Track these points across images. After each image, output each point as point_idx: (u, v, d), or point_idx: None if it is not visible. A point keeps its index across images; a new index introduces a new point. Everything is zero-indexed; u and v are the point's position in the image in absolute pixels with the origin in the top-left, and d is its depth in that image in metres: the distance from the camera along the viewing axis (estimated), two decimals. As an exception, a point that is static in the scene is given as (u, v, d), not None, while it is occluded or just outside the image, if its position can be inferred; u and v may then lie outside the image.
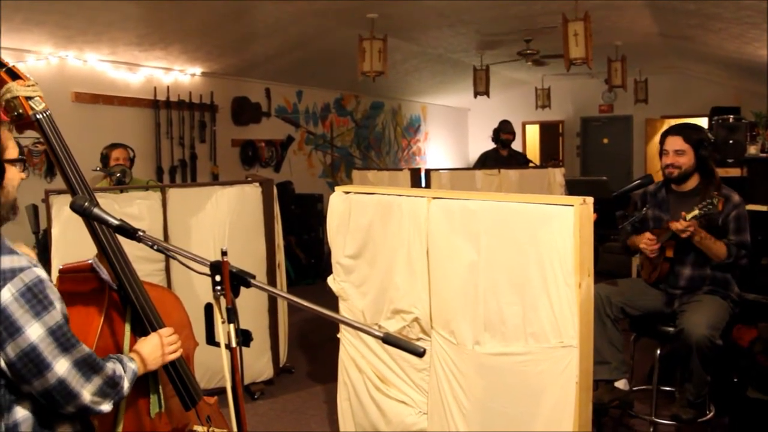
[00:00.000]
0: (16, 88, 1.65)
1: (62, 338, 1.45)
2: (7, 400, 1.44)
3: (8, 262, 1.42)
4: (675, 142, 3.13)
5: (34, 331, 1.40)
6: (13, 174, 1.58)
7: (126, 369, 1.63)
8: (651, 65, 9.49)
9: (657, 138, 11.28)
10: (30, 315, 1.40)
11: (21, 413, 1.46)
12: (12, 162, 1.57)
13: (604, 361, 3.10)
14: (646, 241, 3.17)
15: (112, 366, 1.57)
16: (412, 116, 11.46)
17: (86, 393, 1.48)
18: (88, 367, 1.49)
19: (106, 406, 1.54)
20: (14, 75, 1.68)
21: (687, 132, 3.13)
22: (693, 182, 3.16)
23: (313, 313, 1.48)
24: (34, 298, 1.42)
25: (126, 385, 1.60)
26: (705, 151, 3.10)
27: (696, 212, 2.88)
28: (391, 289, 2.64)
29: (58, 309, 1.46)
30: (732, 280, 3.15)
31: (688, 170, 3.12)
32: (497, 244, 2.23)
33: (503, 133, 6.61)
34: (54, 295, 1.47)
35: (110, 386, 1.54)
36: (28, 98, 1.67)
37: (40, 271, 1.46)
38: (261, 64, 7.25)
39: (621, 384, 3.15)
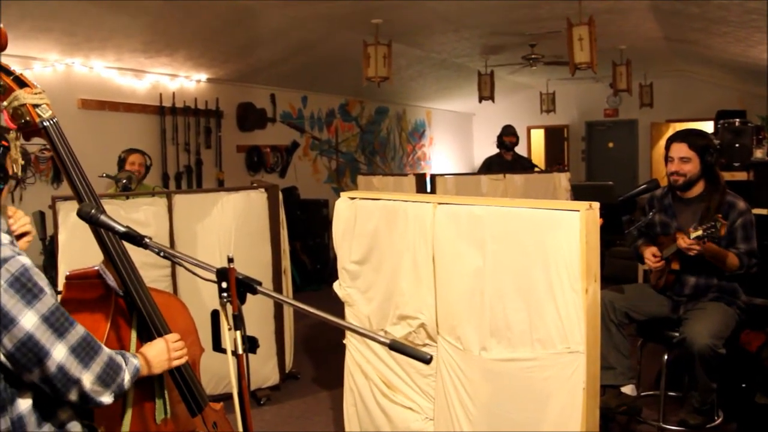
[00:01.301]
0: (23, 96, 1.66)
1: (56, 323, 1.44)
2: (8, 394, 1.44)
3: None
4: (680, 150, 3.09)
5: (29, 320, 1.40)
6: None
7: (127, 361, 1.62)
8: (656, 69, 9.49)
9: (662, 142, 11.27)
10: (22, 304, 1.40)
11: (24, 405, 1.46)
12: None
13: (609, 366, 3.09)
14: (650, 257, 3.17)
15: (109, 352, 1.56)
16: (417, 121, 11.47)
17: (86, 380, 1.48)
18: (85, 351, 1.48)
19: (107, 398, 1.53)
20: (21, 83, 1.68)
21: (692, 138, 3.09)
22: (699, 189, 3.14)
23: (318, 319, 1.48)
24: (23, 288, 1.41)
25: (127, 378, 1.59)
26: (710, 157, 3.06)
27: (700, 233, 2.85)
28: (396, 295, 2.64)
29: (48, 293, 1.45)
30: (739, 288, 3.13)
31: (693, 177, 3.09)
32: (503, 249, 2.23)
33: (506, 135, 6.61)
34: (42, 281, 1.46)
35: (110, 374, 1.53)
36: (36, 106, 1.68)
37: (25, 259, 1.44)
38: (266, 69, 7.28)
39: (628, 389, 3.14)
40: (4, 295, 1.38)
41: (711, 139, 3.13)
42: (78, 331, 1.49)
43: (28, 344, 1.40)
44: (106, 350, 1.55)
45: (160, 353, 1.78)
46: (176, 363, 1.83)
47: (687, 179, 3.10)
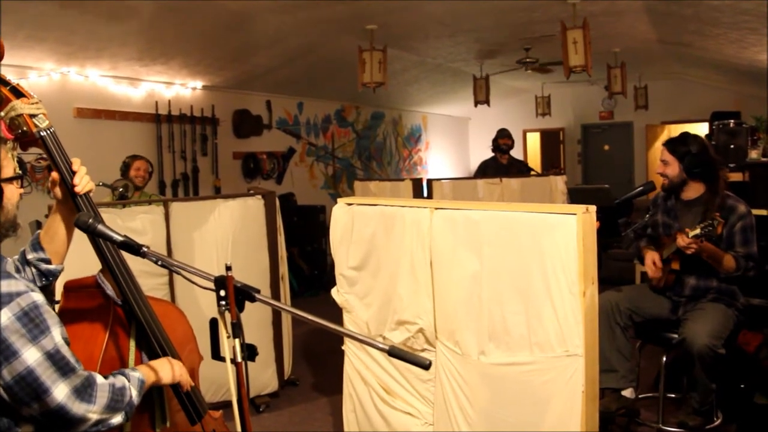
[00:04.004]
0: (20, 106, 1.66)
1: (61, 362, 1.44)
2: (4, 423, 1.44)
3: (6, 286, 1.42)
4: (663, 153, 3.24)
5: (31, 355, 1.40)
6: (11, 192, 1.57)
7: (130, 378, 1.61)
8: (650, 71, 9.52)
9: (658, 144, 11.25)
10: (26, 339, 1.40)
11: None
12: (9, 180, 1.57)
13: (611, 369, 3.10)
14: (650, 264, 3.19)
15: (112, 380, 1.56)
16: (413, 126, 11.48)
17: (92, 414, 1.47)
18: (89, 390, 1.48)
19: (118, 419, 1.54)
20: (18, 93, 1.68)
21: (672, 144, 3.21)
22: (697, 191, 3.17)
23: (317, 326, 1.48)
24: (31, 323, 1.41)
25: (134, 393, 1.59)
26: (689, 162, 3.13)
27: (697, 231, 2.89)
28: (395, 300, 2.64)
29: (56, 333, 1.45)
30: (738, 290, 3.15)
31: (675, 180, 3.18)
32: (500, 253, 2.23)
33: (501, 138, 6.62)
34: (52, 319, 1.46)
35: (117, 400, 1.54)
36: (32, 116, 1.68)
37: (38, 296, 1.45)
38: (261, 76, 7.28)
39: (627, 392, 3.14)
40: (10, 327, 1.39)
41: (690, 146, 3.14)
42: (83, 372, 1.49)
43: (27, 379, 1.40)
44: (109, 380, 1.55)
45: (164, 361, 1.78)
46: (181, 378, 1.82)
47: (669, 180, 3.21)
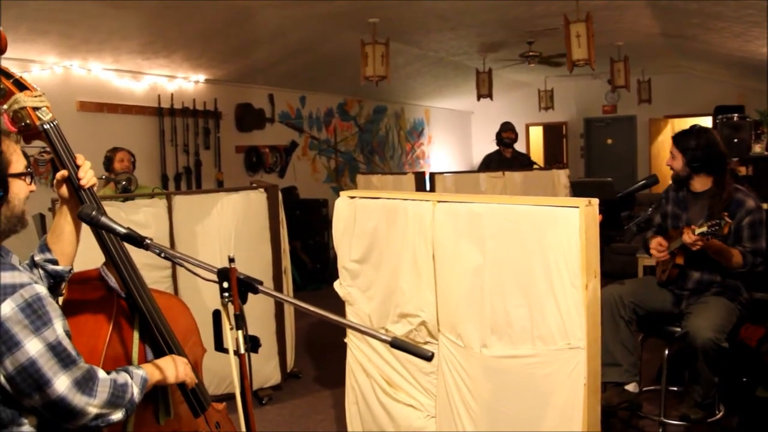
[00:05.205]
0: (23, 99, 1.66)
1: (63, 354, 1.45)
2: (8, 414, 1.45)
3: (9, 277, 1.43)
4: (671, 146, 3.26)
5: (33, 346, 1.40)
6: (19, 188, 1.57)
7: (133, 376, 1.62)
8: (654, 65, 9.48)
9: (661, 138, 11.16)
10: (29, 330, 1.41)
11: (24, 428, 1.46)
12: (17, 176, 1.57)
13: (615, 363, 3.09)
14: (656, 246, 3.19)
15: (114, 376, 1.57)
16: (416, 120, 11.47)
17: (92, 408, 1.48)
18: (90, 383, 1.48)
19: (118, 415, 1.54)
20: (21, 86, 1.68)
21: (677, 138, 3.23)
22: (704, 184, 3.17)
23: (319, 318, 1.48)
24: (34, 314, 1.42)
25: (136, 391, 1.60)
26: (690, 157, 3.14)
27: (704, 229, 2.88)
28: (397, 293, 2.65)
29: (58, 325, 1.46)
30: (741, 285, 3.14)
31: (680, 172, 3.21)
32: (503, 246, 2.24)
33: (504, 132, 6.62)
34: (54, 311, 1.46)
35: (118, 396, 1.54)
36: (35, 109, 1.67)
37: (41, 288, 1.46)
38: (264, 70, 7.27)
39: (630, 386, 3.15)
40: (13, 318, 1.40)
41: (691, 141, 3.13)
42: (84, 365, 1.50)
43: (29, 370, 1.40)
44: (112, 376, 1.56)
45: (168, 359, 1.79)
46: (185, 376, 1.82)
47: (675, 173, 3.24)
